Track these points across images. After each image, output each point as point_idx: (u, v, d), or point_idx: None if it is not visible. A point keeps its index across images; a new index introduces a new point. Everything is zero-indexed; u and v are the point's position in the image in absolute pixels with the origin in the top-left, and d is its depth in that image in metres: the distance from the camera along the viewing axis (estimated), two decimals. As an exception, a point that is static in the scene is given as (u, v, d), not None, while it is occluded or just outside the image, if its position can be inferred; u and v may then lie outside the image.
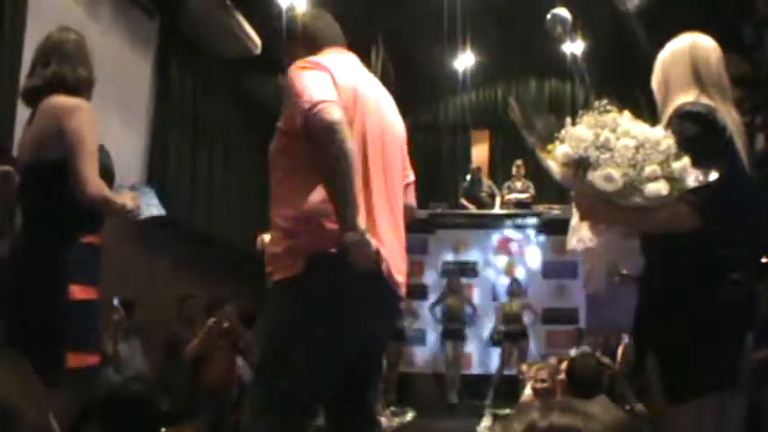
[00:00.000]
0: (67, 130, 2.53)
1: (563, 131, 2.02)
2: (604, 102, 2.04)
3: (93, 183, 2.51)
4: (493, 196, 10.98)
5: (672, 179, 1.92)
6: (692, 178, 1.94)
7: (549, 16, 8.55)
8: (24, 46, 5.15)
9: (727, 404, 2.06)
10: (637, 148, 1.93)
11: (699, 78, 2.17)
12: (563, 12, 8.52)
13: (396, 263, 2.15)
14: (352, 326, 2.06)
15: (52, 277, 2.52)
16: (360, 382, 2.24)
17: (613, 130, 1.96)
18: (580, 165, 1.97)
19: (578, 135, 1.98)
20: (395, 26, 9.48)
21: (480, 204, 10.89)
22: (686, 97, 2.14)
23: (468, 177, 11.06)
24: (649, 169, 1.92)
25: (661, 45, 2.32)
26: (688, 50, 2.22)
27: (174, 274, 7.69)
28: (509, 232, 10.76)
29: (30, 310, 2.48)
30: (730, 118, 2.11)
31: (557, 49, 10.21)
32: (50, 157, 2.55)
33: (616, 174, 1.92)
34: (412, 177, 2.45)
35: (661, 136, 1.96)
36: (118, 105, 6.57)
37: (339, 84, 2.09)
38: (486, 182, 11.19)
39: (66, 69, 2.66)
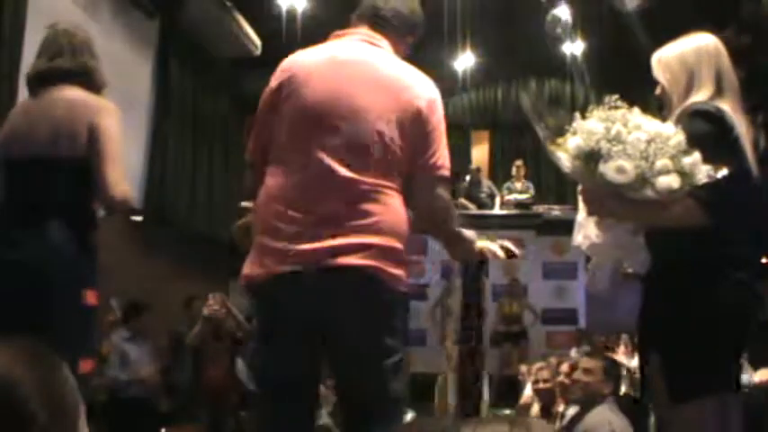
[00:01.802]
0: (100, 130, 2.48)
1: (574, 124, 2.01)
2: (615, 97, 2.03)
3: (122, 188, 2.48)
4: (492, 197, 10.97)
5: (683, 174, 1.92)
6: (703, 174, 1.94)
7: (548, 16, 8.55)
8: (24, 47, 5.15)
9: (729, 404, 2.06)
10: (648, 142, 1.93)
11: (720, 81, 2.17)
12: (563, 12, 8.52)
13: (296, 245, 1.99)
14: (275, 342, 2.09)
15: (72, 281, 2.47)
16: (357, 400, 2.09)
17: (624, 124, 1.96)
18: (592, 157, 1.96)
19: (589, 128, 1.98)
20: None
21: (480, 205, 10.89)
22: (702, 96, 2.14)
23: (468, 178, 11.06)
24: (661, 163, 1.91)
25: (659, 45, 2.32)
26: (714, 52, 2.22)
27: (174, 274, 7.70)
28: (509, 233, 10.74)
29: (50, 314, 2.41)
30: (741, 123, 2.12)
31: (556, 49, 10.21)
32: (74, 154, 2.48)
33: (628, 165, 1.91)
34: (433, 173, 2.11)
35: (672, 132, 1.96)
36: (118, 105, 6.56)
37: (273, 84, 2.18)
38: (486, 182, 11.18)
39: (97, 66, 2.65)
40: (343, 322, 2.01)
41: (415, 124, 2.09)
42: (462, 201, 10.94)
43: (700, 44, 2.25)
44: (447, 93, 11.62)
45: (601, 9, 9.14)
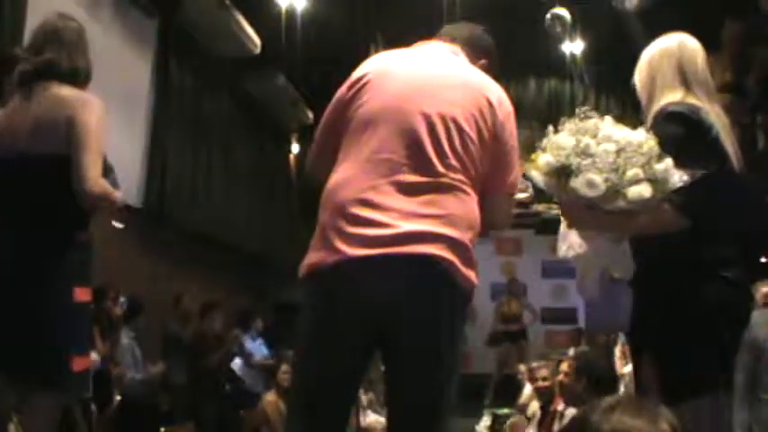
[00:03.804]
0: (79, 123, 2.45)
1: (544, 140, 2.02)
2: (585, 108, 2.04)
3: (96, 181, 2.44)
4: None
5: (654, 181, 1.93)
6: (676, 179, 1.95)
7: (548, 16, 8.55)
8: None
9: (722, 404, 2.06)
10: (618, 152, 1.94)
11: (685, 79, 2.17)
12: (562, 11, 8.52)
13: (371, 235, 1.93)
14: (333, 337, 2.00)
15: (59, 279, 2.46)
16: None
17: (594, 136, 1.98)
18: (563, 172, 1.98)
19: (560, 143, 1.99)
20: (395, 26, 9.48)
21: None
22: (673, 97, 2.14)
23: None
24: (631, 173, 1.93)
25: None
26: (676, 50, 2.22)
27: (174, 274, 7.70)
28: (508, 232, 10.75)
29: (37, 313, 2.42)
30: (717, 118, 2.11)
31: (556, 48, 10.20)
32: (55, 150, 2.46)
33: (598, 179, 1.93)
34: (509, 191, 2.15)
35: (643, 138, 1.97)
36: (117, 105, 6.57)
37: (347, 86, 2.16)
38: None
39: (63, 57, 2.58)
40: (407, 311, 1.94)
41: (493, 135, 2.07)
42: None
43: (663, 45, 2.26)
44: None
45: (601, 9, 9.14)
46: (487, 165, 2.08)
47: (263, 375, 7.37)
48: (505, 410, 6.32)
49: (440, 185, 1.98)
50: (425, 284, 1.94)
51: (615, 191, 1.93)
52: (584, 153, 1.95)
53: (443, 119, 2.02)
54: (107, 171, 2.58)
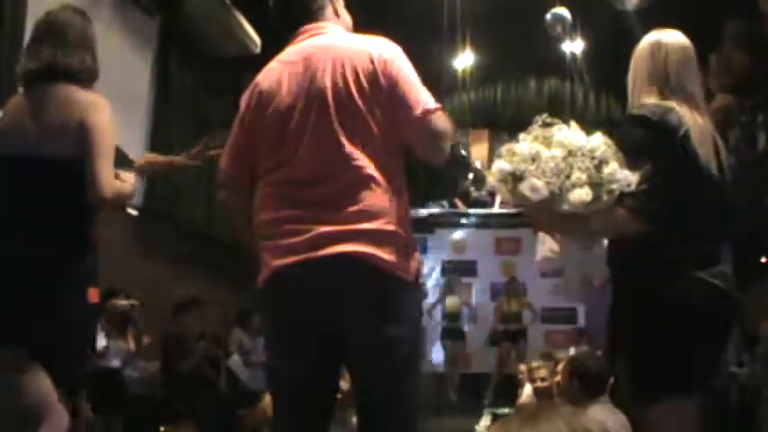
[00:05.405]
0: (91, 127, 2.46)
1: (501, 148, 2.07)
2: (544, 116, 2.07)
3: (108, 183, 2.45)
4: (493, 195, 10.98)
5: (595, 185, 1.94)
6: (623, 183, 1.95)
7: (548, 15, 8.55)
8: (24, 46, 5.14)
9: (689, 406, 2.04)
10: (565, 158, 1.96)
11: (659, 81, 2.15)
12: (563, 11, 8.52)
13: (291, 245, 2.00)
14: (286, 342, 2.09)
15: (77, 281, 2.47)
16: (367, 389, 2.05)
17: (548, 143, 2.00)
18: (513, 178, 2.01)
19: (514, 150, 2.03)
20: (394, 26, 9.47)
21: (478, 204, 10.90)
22: (646, 99, 2.14)
23: (471, 176, 11.06)
24: (575, 176, 1.94)
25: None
26: (648, 51, 2.20)
27: (174, 274, 7.70)
28: (508, 232, 10.75)
29: (58, 316, 2.41)
30: (691, 119, 2.07)
31: (556, 48, 10.21)
32: (66, 153, 2.46)
33: (540, 183, 1.95)
34: (423, 118, 2.03)
35: (597, 143, 1.99)
36: (117, 105, 6.49)
37: (243, 104, 2.22)
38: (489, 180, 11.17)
39: (85, 58, 2.59)
40: (341, 313, 1.99)
41: (381, 88, 2.05)
42: (456, 200, 10.96)
43: (643, 44, 2.25)
44: (447, 92, 11.62)
45: (601, 9, 9.14)
46: (391, 117, 2.05)
47: (264, 373, 7.38)
48: (505, 410, 6.32)
49: (346, 182, 2.00)
50: (348, 282, 1.97)
51: (558, 195, 1.96)
52: (533, 159, 1.99)
53: (330, 110, 2.03)
54: (127, 163, 2.59)
